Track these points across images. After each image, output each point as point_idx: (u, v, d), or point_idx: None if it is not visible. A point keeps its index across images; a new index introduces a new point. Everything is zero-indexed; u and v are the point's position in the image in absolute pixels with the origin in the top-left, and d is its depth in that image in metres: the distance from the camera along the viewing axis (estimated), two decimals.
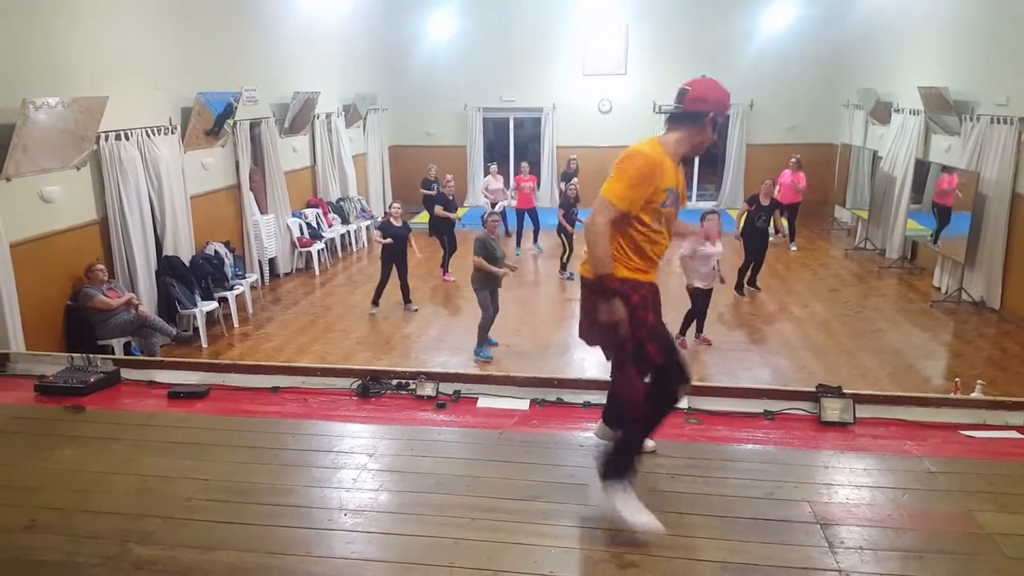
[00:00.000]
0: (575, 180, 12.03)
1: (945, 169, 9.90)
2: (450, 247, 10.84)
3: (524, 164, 13.42)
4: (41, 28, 6.48)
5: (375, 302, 9.14)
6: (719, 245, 7.73)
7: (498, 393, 3.86)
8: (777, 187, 11.14)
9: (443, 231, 10.84)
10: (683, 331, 7.82)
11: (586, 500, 2.82)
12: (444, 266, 10.77)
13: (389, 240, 8.93)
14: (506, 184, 13.59)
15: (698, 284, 7.69)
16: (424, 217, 12.44)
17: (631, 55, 15.65)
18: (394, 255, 9.04)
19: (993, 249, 8.87)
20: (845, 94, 14.58)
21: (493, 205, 12.59)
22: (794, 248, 12.46)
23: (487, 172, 14.04)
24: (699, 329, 7.97)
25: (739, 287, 9.72)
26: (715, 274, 7.76)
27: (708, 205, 14.63)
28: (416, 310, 9.14)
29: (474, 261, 7.48)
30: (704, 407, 3.70)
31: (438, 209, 10.69)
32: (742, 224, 9.74)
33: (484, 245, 7.50)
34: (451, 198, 10.99)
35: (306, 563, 2.57)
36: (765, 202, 9.63)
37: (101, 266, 6.94)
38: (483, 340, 7.66)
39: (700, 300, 7.80)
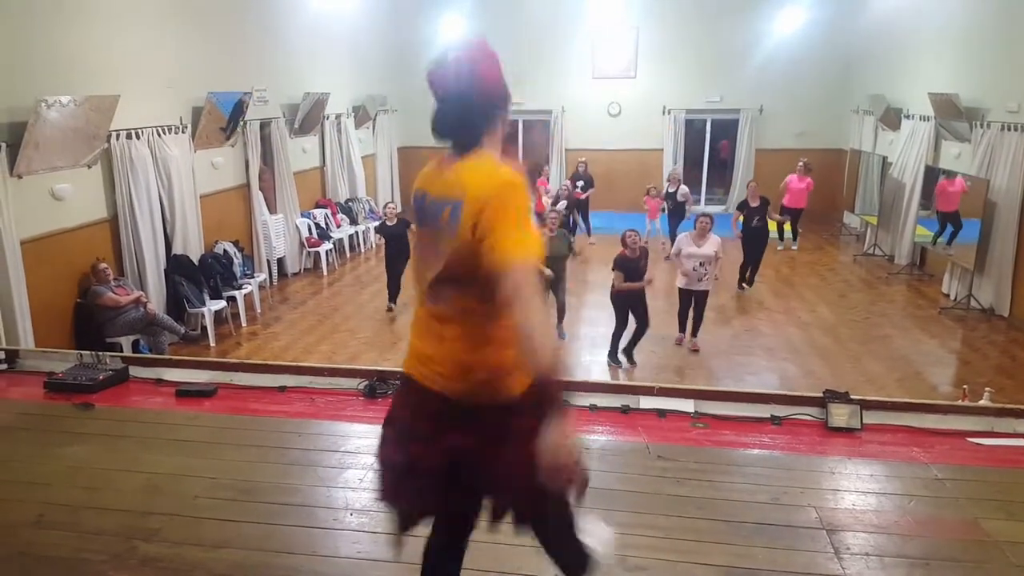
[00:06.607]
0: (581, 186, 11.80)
1: (947, 174, 10.15)
2: None
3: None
4: (54, 28, 6.53)
5: (392, 300, 9.22)
6: (708, 247, 7.61)
7: None
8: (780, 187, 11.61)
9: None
10: (681, 327, 7.97)
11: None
12: None
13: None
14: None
15: (679, 284, 7.82)
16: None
17: (641, 58, 15.63)
18: (389, 254, 9.15)
19: (1003, 256, 8.82)
20: (855, 100, 14.52)
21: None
22: (795, 247, 12.71)
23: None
24: (692, 332, 7.94)
25: (740, 283, 10.21)
26: (698, 275, 7.64)
27: (717, 209, 14.65)
28: (390, 310, 9.12)
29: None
30: (711, 411, 3.70)
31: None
32: (739, 226, 10.21)
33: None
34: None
35: (312, 562, 2.58)
36: (754, 203, 10.08)
37: (105, 264, 6.96)
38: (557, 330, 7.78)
39: (683, 300, 7.85)
